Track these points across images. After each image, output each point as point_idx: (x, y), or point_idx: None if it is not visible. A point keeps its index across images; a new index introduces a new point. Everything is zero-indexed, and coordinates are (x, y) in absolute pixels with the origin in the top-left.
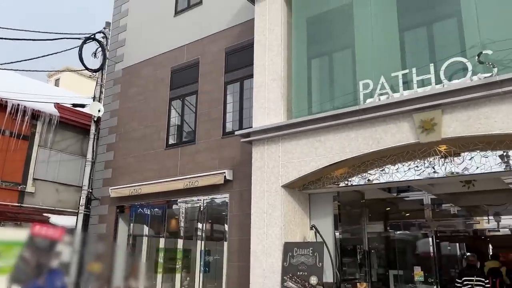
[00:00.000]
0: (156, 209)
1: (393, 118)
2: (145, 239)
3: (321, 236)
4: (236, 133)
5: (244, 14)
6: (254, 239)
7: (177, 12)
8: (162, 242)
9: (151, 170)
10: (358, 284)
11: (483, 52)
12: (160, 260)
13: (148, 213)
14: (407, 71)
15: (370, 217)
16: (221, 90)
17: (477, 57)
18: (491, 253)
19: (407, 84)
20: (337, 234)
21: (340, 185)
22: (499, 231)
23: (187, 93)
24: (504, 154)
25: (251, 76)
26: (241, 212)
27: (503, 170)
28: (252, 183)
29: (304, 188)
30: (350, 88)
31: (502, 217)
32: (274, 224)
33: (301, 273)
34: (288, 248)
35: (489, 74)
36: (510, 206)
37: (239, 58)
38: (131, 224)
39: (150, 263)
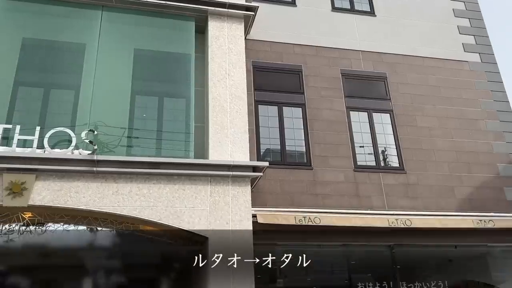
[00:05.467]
0: None
1: None
2: None
3: None
4: None
5: None
6: None
7: None
8: None
9: None
10: None
11: (91, 131)
12: None
13: None
14: (10, 126)
15: None
16: None
17: (84, 134)
18: None
19: (7, 141)
20: None
21: None
22: None
23: None
24: (88, 229)
25: None
26: None
27: (84, 246)
28: None
29: None
30: None
31: None
32: None
33: None
34: None
35: (89, 152)
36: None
37: None
38: None
39: None
